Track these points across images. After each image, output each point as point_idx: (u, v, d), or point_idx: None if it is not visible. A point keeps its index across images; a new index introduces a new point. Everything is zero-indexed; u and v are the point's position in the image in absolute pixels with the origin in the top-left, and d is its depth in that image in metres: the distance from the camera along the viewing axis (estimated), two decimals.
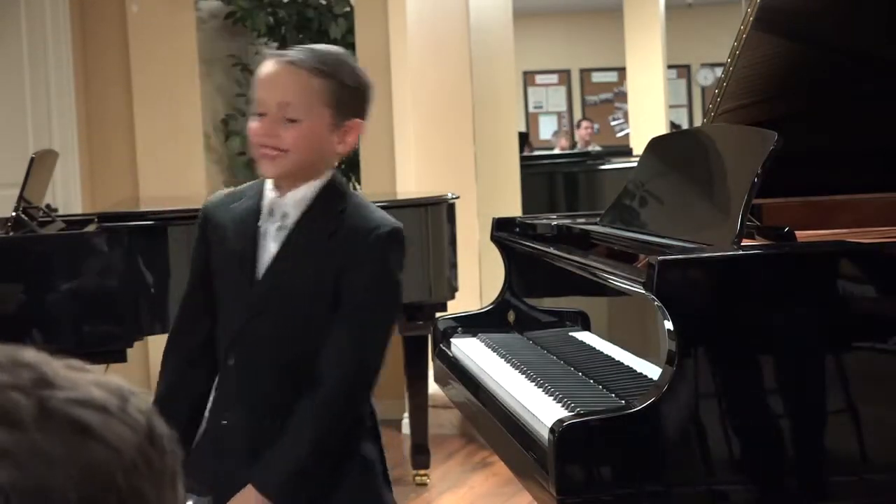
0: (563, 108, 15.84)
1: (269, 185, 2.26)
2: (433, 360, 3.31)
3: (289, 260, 2.22)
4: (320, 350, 2.17)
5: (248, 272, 2.23)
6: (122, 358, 3.70)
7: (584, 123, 12.59)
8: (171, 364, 2.37)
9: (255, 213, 2.25)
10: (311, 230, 2.22)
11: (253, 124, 2.19)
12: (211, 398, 2.30)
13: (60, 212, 5.21)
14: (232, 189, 2.37)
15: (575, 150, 11.41)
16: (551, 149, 12.91)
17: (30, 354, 0.69)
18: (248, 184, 2.36)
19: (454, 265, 4.41)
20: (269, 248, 2.23)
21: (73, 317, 3.59)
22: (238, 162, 6.24)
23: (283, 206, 2.23)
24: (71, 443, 0.63)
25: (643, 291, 2.09)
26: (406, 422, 5.02)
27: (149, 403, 0.71)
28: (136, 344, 3.74)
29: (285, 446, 2.15)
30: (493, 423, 2.56)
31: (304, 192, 2.22)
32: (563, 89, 15.82)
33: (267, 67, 2.18)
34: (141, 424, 0.68)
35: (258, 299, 2.23)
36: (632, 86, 11.34)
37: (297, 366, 2.19)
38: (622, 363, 2.53)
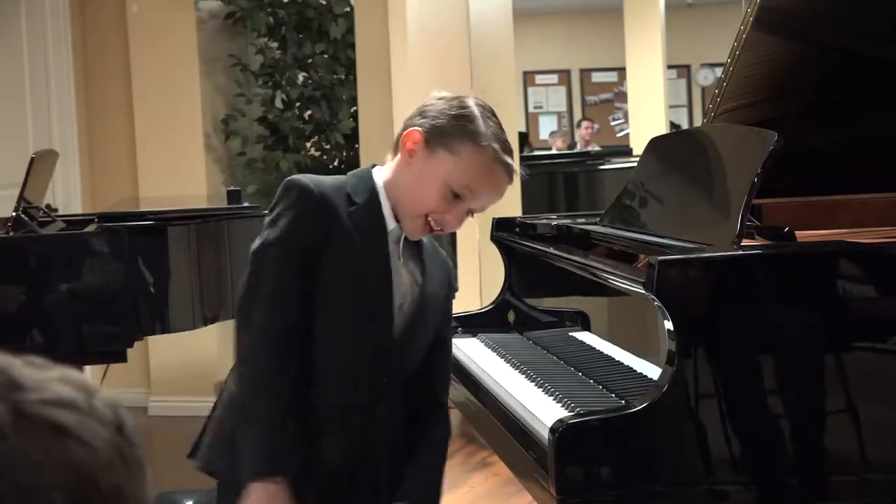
0: (563, 108, 15.84)
1: (383, 196, 2.12)
2: None
3: (426, 312, 2.15)
4: (426, 377, 2.20)
5: (386, 307, 2.09)
6: (122, 358, 3.70)
7: (585, 123, 12.58)
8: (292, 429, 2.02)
9: (381, 230, 2.10)
10: (433, 282, 2.17)
11: (454, 218, 2.10)
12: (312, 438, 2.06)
13: (60, 212, 5.21)
14: (329, 178, 2.13)
15: (573, 151, 11.41)
16: (549, 149, 12.91)
17: None
18: (348, 181, 2.13)
19: (454, 265, 4.41)
20: (402, 279, 2.12)
21: (73, 317, 3.59)
22: (238, 162, 6.24)
23: (405, 245, 2.14)
24: (50, 444, 0.63)
25: (643, 291, 2.09)
26: None
27: (112, 395, 0.70)
28: (136, 344, 3.74)
29: (424, 479, 2.16)
30: (493, 423, 2.56)
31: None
32: (563, 89, 15.83)
33: (506, 181, 2.12)
34: (109, 418, 0.67)
35: (400, 343, 2.12)
36: (632, 86, 11.34)
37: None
38: (622, 363, 2.53)
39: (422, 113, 2.12)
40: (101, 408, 0.67)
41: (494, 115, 2.18)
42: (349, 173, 2.19)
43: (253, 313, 2.03)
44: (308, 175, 2.13)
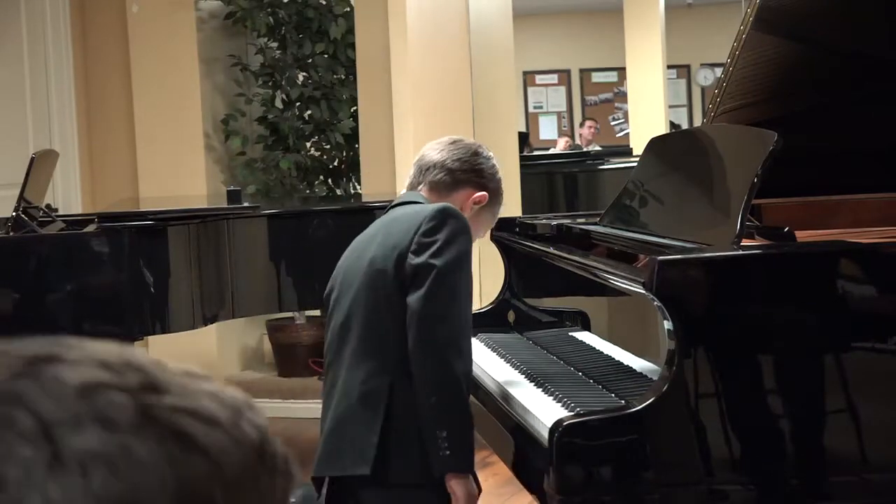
0: (563, 108, 15.83)
1: None
2: None
3: None
4: None
5: None
6: None
7: (588, 123, 12.57)
8: None
9: None
10: None
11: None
12: None
13: (60, 212, 5.21)
14: None
15: (573, 151, 11.40)
16: (548, 149, 12.90)
17: (145, 358, 0.66)
18: None
19: None
20: None
21: (73, 317, 3.59)
22: (238, 162, 6.24)
23: None
24: (169, 451, 0.60)
25: (643, 291, 2.09)
26: None
27: (267, 421, 0.67)
28: (136, 344, 3.74)
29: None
30: (493, 423, 2.56)
31: None
32: (563, 89, 15.82)
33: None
34: (252, 440, 0.64)
35: None
36: (632, 86, 11.34)
37: None
38: (622, 363, 2.53)
39: (479, 172, 2.63)
40: (246, 428, 0.64)
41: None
42: (427, 201, 2.56)
43: (441, 330, 2.32)
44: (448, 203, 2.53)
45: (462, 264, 2.38)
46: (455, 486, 2.29)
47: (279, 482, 0.66)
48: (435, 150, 2.64)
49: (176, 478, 0.60)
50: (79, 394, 0.60)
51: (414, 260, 2.36)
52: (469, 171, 2.62)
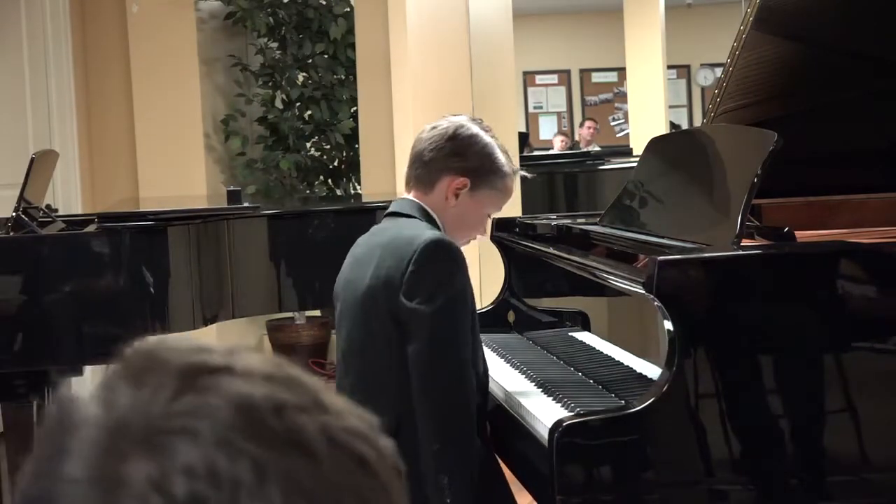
0: (563, 108, 15.83)
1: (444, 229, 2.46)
2: None
3: None
4: None
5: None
6: None
7: (588, 123, 12.57)
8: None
9: None
10: None
11: (485, 228, 2.57)
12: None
13: (60, 212, 5.21)
14: (437, 230, 2.42)
15: (573, 150, 11.40)
16: (549, 149, 12.90)
17: (297, 371, 0.63)
18: (428, 223, 2.43)
19: None
20: None
21: (73, 317, 3.59)
22: (238, 162, 6.24)
23: None
24: (353, 476, 0.59)
25: (643, 291, 2.09)
26: None
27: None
28: None
29: None
30: (493, 424, 2.56)
31: None
32: (563, 89, 15.82)
33: (515, 185, 2.55)
34: (393, 459, 0.64)
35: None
36: (632, 86, 11.33)
37: None
38: (622, 363, 2.53)
39: (455, 156, 2.43)
40: (385, 447, 0.63)
41: (489, 128, 2.50)
42: (417, 214, 2.43)
43: (441, 378, 2.26)
44: (434, 234, 2.35)
45: (456, 304, 2.28)
46: None
47: (402, 483, 0.65)
48: (419, 140, 2.50)
49: (358, 503, 0.59)
50: (272, 412, 0.58)
51: (406, 304, 2.27)
52: (444, 159, 2.43)
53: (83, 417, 0.58)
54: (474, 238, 2.56)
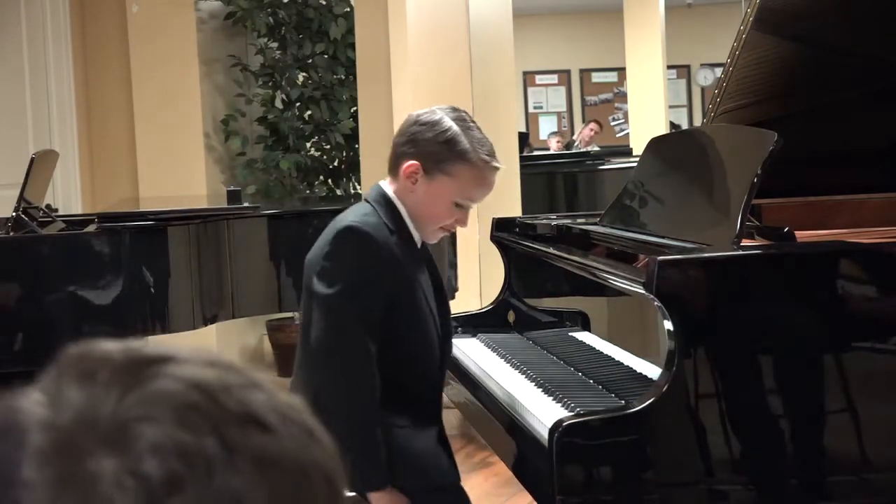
0: (563, 108, 15.83)
1: (405, 216, 2.42)
2: None
3: (442, 291, 2.53)
4: None
5: (438, 325, 2.46)
6: None
7: (592, 125, 12.57)
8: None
9: (414, 246, 2.44)
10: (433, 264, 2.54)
11: (463, 219, 2.44)
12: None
13: (60, 212, 5.21)
14: (370, 217, 2.39)
15: (572, 151, 11.40)
16: (548, 149, 12.90)
17: (224, 356, 0.66)
18: (379, 210, 2.40)
19: (454, 265, 4.41)
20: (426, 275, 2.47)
21: (73, 317, 3.59)
22: (238, 162, 6.24)
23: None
24: (308, 447, 0.62)
25: (643, 291, 2.09)
26: None
27: None
28: None
29: None
30: (493, 423, 2.56)
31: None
32: (563, 89, 15.82)
33: (494, 178, 2.43)
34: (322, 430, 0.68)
35: (447, 354, 2.52)
36: (632, 86, 11.33)
37: None
38: (622, 363, 2.53)
39: (412, 141, 2.40)
40: (318, 422, 0.67)
41: (470, 120, 2.45)
42: (373, 200, 2.43)
43: (331, 363, 2.30)
44: (357, 219, 2.36)
45: (360, 290, 2.30)
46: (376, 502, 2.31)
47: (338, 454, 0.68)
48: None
49: (323, 471, 0.62)
50: (223, 391, 0.60)
51: (314, 285, 2.32)
52: (403, 144, 2.41)
53: (32, 422, 0.59)
54: (451, 230, 2.49)
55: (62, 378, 0.61)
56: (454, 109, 2.47)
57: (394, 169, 2.43)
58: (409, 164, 2.38)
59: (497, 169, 2.43)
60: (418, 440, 2.40)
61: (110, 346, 0.63)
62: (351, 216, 2.38)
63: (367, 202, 2.44)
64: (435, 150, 2.38)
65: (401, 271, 2.36)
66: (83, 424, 0.58)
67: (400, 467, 2.35)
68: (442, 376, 2.53)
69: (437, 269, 2.54)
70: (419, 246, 2.45)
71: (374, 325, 2.31)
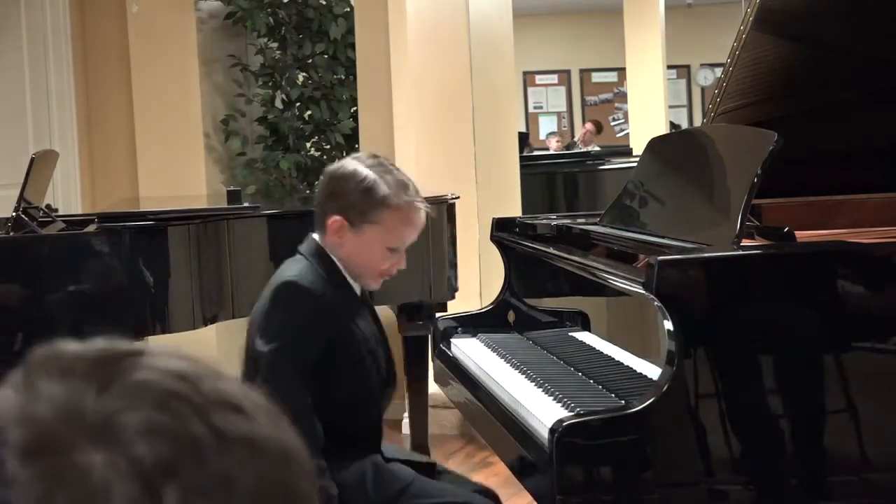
0: (563, 108, 15.83)
1: (342, 268, 2.46)
2: (433, 360, 3.31)
3: (382, 333, 2.58)
4: None
5: (382, 370, 2.51)
6: None
7: (587, 125, 12.57)
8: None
9: (354, 297, 2.48)
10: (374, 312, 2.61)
11: (399, 261, 2.46)
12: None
13: (60, 212, 5.21)
14: (308, 273, 2.42)
15: (572, 151, 11.39)
16: (548, 149, 12.90)
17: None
18: (316, 266, 2.44)
19: (454, 265, 4.41)
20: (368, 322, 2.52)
21: (73, 317, 3.59)
22: (238, 162, 6.24)
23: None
24: (281, 428, 0.64)
25: (643, 291, 2.09)
26: (406, 422, 5.02)
27: None
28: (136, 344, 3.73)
29: None
30: (493, 423, 2.56)
31: None
32: (563, 89, 15.82)
33: (423, 215, 2.45)
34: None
35: (388, 396, 2.58)
36: (632, 86, 11.34)
37: None
38: (622, 363, 2.53)
39: (332, 196, 2.43)
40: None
41: (389, 163, 2.46)
42: (308, 253, 2.46)
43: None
44: (294, 274, 2.40)
45: (298, 347, 2.33)
46: None
47: None
48: None
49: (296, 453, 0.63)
50: (198, 380, 0.61)
51: (256, 343, 2.37)
52: (325, 201, 2.45)
53: (7, 418, 0.59)
54: (391, 273, 2.48)
55: (34, 375, 0.61)
56: (371, 156, 2.48)
57: (321, 225, 2.45)
58: (334, 219, 2.40)
59: (421, 206, 2.43)
60: (356, 470, 2.43)
61: (80, 345, 0.64)
62: (290, 271, 2.42)
63: (303, 255, 2.47)
64: (356, 202, 2.39)
65: (339, 321, 2.40)
66: (66, 417, 0.58)
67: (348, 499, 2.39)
68: (380, 415, 2.58)
69: (378, 316, 2.58)
70: (359, 293, 2.50)
71: (309, 376, 2.35)
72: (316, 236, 2.48)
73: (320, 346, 2.37)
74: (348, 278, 2.46)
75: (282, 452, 0.61)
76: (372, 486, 2.43)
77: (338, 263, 2.45)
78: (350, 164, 2.44)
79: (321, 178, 2.53)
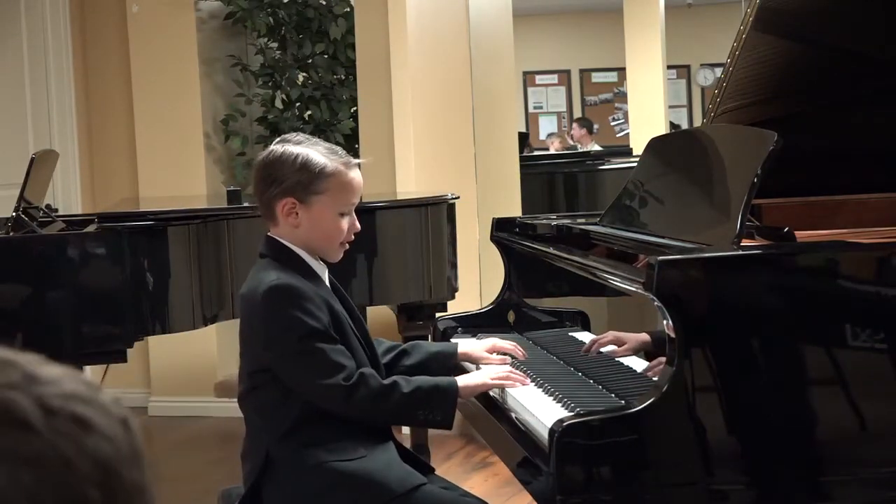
0: (563, 108, 15.83)
1: (304, 255, 2.51)
2: None
3: (355, 312, 2.60)
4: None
5: (366, 348, 2.57)
6: (122, 358, 3.70)
7: (577, 131, 12.56)
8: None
9: (321, 282, 2.53)
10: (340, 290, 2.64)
11: (353, 225, 2.51)
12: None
13: (60, 212, 5.21)
14: (280, 270, 2.47)
15: (571, 151, 11.39)
16: (548, 149, 12.90)
17: (7, 352, 0.67)
18: (281, 263, 2.48)
19: (454, 265, 4.41)
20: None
21: (73, 317, 3.59)
22: (238, 162, 6.24)
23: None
24: (78, 439, 0.63)
25: (643, 291, 2.09)
26: None
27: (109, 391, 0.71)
28: (137, 344, 3.74)
29: None
30: (492, 423, 2.56)
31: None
32: (562, 89, 15.82)
33: (359, 172, 2.51)
34: (117, 412, 0.68)
35: (381, 370, 2.59)
36: (632, 86, 11.34)
37: None
38: (622, 363, 2.53)
39: (272, 181, 2.47)
40: (108, 402, 0.67)
41: (304, 137, 2.52)
42: (270, 254, 2.51)
43: (343, 400, 2.41)
44: (272, 278, 2.44)
45: (311, 339, 2.40)
46: (470, 390, 2.50)
47: (139, 442, 0.69)
48: None
49: (91, 463, 0.62)
50: None
51: (270, 356, 2.45)
52: (266, 189, 2.49)
53: None
54: (349, 241, 2.54)
55: None
56: (292, 135, 2.55)
57: (271, 216, 2.50)
58: (283, 202, 2.46)
59: (355, 165, 2.51)
60: (375, 461, 2.45)
61: None
62: (268, 277, 2.44)
63: (267, 257, 2.51)
64: (299, 179, 2.45)
65: (327, 306, 2.45)
66: None
67: (359, 491, 2.41)
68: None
69: (346, 295, 2.61)
70: (327, 282, 2.54)
71: (338, 352, 2.43)
72: (271, 234, 2.52)
73: (324, 326, 2.43)
74: (314, 268, 2.51)
75: (61, 461, 0.61)
76: (390, 479, 2.45)
77: (301, 254, 2.49)
78: (277, 148, 2.49)
79: (253, 172, 2.58)
